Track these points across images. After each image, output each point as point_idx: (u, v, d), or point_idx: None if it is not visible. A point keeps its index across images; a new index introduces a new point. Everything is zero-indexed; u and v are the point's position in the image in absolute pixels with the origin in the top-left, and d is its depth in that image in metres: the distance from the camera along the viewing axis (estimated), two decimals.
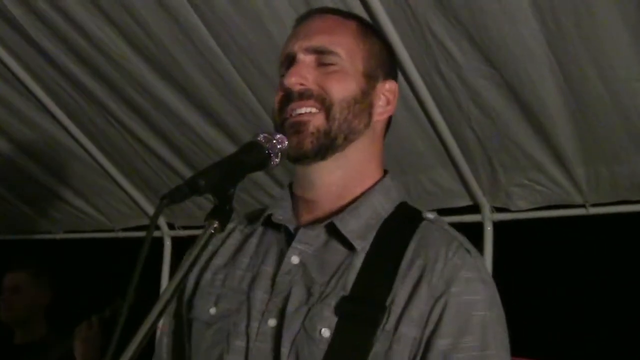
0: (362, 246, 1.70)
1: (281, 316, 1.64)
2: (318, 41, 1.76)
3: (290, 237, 1.75)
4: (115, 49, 3.93)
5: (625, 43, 3.10)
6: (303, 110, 1.72)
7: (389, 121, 1.88)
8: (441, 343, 1.59)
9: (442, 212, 3.82)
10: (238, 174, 1.57)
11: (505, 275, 2.95)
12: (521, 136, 3.73)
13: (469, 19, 3.18)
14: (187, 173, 4.66)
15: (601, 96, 3.36)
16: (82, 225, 5.72)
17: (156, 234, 5.26)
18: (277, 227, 1.80)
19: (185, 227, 5.23)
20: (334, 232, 1.72)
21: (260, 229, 1.84)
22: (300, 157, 1.73)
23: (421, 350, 1.60)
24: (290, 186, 1.86)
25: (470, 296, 1.64)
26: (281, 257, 1.73)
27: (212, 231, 1.48)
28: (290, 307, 1.64)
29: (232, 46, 3.70)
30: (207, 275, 1.84)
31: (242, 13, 3.49)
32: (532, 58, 3.26)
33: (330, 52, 1.75)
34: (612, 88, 3.31)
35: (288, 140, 1.70)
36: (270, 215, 1.81)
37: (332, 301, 1.63)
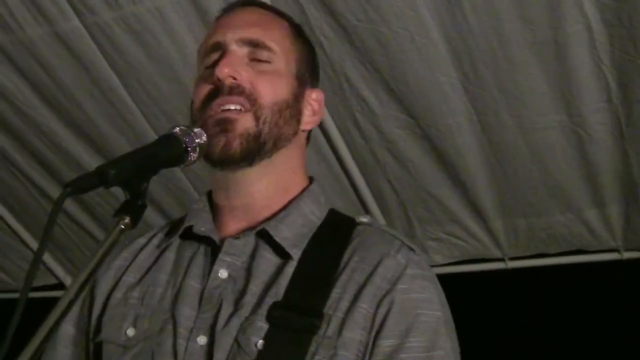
0: (295, 253, 1.59)
1: (211, 333, 1.52)
2: (253, 33, 1.65)
3: (215, 249, 1.62)
4: (22, 98, 3.78)
5: (542, 91, 3.09)
6: (232, 106, 1.59)
7: (310, 133, 1.78)
8: (385, 344, 1.48)
9: None
10: (152, 168, 1.43)
11: None
12: (438, 188, 3.68)
13: (386, 66, 3.12)
14: (97, 231, 4.49)
15: (519, 146, 3.33)
16: None
17: None
18: (197, 239, 1.66)
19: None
20: (264, 240, 1.61)
21: (176, 243, 1.70)
22: (226, 161, 1.59)
23: (368, 353, 1.48)
24: (209, 195, 1.73)
25: (416, 294, 1.53)
26: (207, 270, 1.60)
27: (122, 227, 1.35)
28: (220, 323, 1.52)
29: (142, 95, 3.58)
30: (118, 294, 1.68)
31: (154, 62, 3.40)
32: (449, 107, 3.23)
33: (266, 47, 1.64)
34: (529, 138, 3.29)
35: (213, 141, 1.56)
36: (189, 227, 1.67)
37: (264, 310, 1.51)
